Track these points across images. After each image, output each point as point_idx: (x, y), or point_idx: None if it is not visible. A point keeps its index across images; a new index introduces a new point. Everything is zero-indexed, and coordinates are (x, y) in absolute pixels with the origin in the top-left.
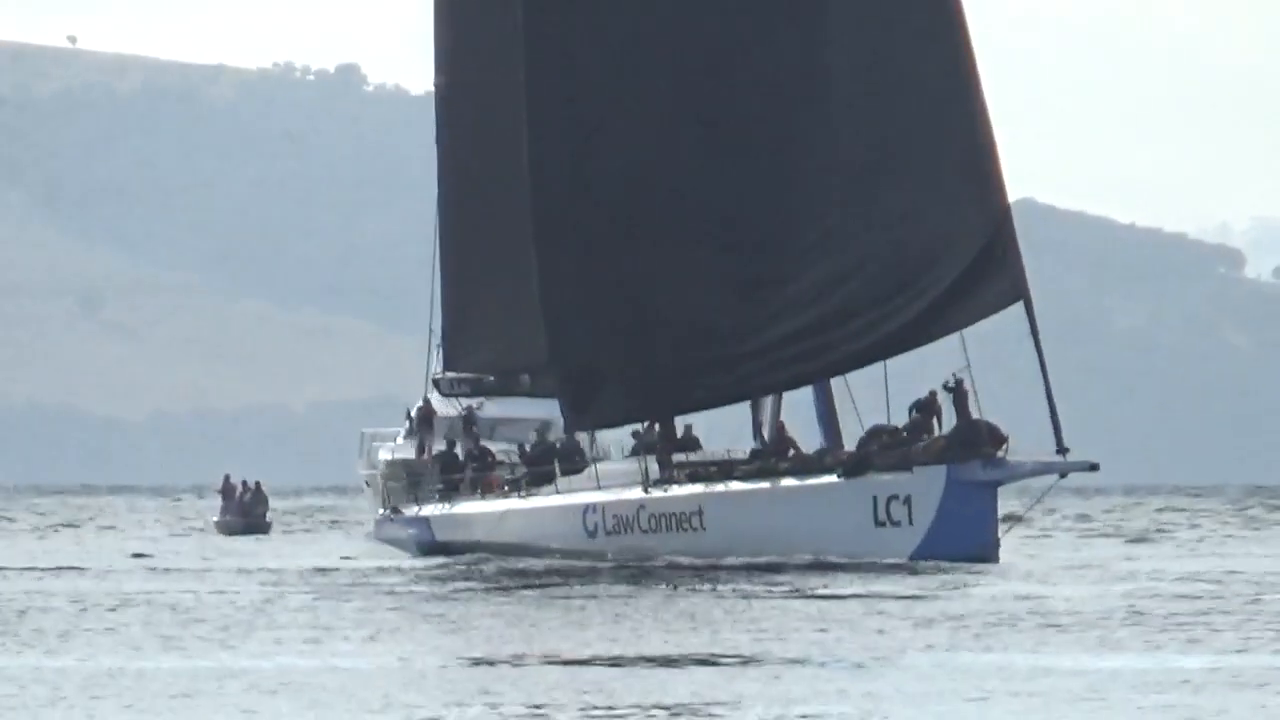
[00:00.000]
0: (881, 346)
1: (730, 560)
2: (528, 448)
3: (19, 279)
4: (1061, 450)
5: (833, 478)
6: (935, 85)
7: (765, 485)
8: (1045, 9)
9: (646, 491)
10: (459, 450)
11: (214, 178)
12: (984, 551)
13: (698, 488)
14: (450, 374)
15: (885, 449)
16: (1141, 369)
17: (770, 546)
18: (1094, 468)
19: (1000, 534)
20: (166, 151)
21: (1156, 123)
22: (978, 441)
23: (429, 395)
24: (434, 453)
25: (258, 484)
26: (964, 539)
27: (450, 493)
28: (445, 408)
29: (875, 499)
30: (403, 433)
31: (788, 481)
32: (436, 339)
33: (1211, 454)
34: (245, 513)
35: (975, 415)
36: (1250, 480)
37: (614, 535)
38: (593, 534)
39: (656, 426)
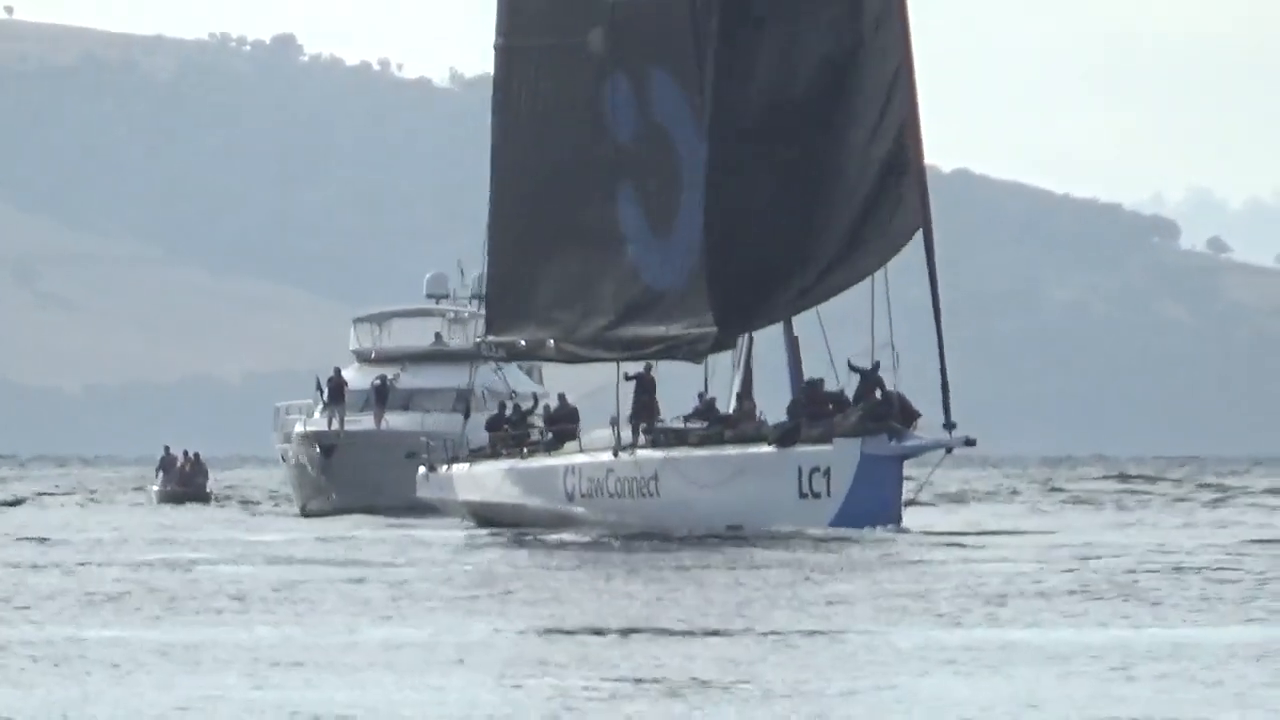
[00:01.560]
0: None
1: (680, 531)
2: (552, 408)
3: None
4: (949, 425)
5: (768, 448)
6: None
7: (711, 453)
8: None
9: (615, 456)
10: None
11: (151, 149)
12: (889, 520)
13: (657, 454)
14: (491, 338)
15: (812, 419)
16: (1076, 340)
17: (712, 516)
18: (970, 443)
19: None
20: (103, 122)
21: (1092, 93)
22: (889, 416)
23: (341, 367)
24: (345, 422)
25: (197, 455)
26: (873, 509)
27: (495, 453)
28: (358, 379)
29: (800, 470)
30: (318, 406)
31: (729, 450)
32: (367, 310)
33: (1147, 425)
34: (185, 483)
35: (891, 389)
36: (1183, 452)
37: (587, 499)
38: (570, 497)
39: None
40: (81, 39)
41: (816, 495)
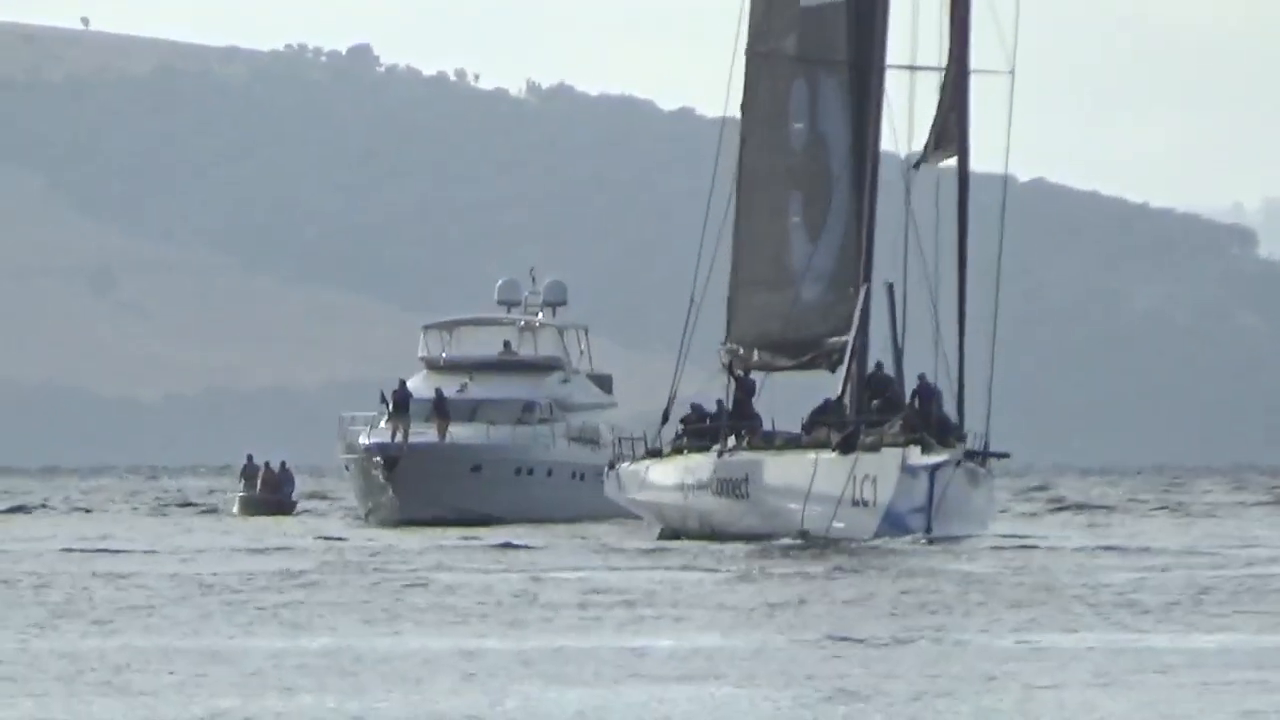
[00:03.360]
0: None
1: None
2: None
3: (31, 260)
4: (960, 438)
5: (830, 454)
6: None
7: (785, 457)
8: None
9: (720, 457)
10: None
11: (227, 158)
12: (921, 528)
13: (749, 456)
14: (730, 344)
15: (870, 426)
16: (1154, 350)
17: (787, 519)
18: (998, 455)
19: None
20: (179, 132)
21: (1169, 102)
22: (926, 428)
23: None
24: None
25: (283, 464)
26: (908, 519)
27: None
28: (425, 388)
29: (854, 478)
30: (382, 417)
31: (803, 455)
32: (437, 317)
33: (1225, 434)
34: (272, 492)
35: (928, 398)
36: (1263, 460)
37: (694, 494)
38: (685, 495)
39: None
40: (157, 50)
41: (866, 504)
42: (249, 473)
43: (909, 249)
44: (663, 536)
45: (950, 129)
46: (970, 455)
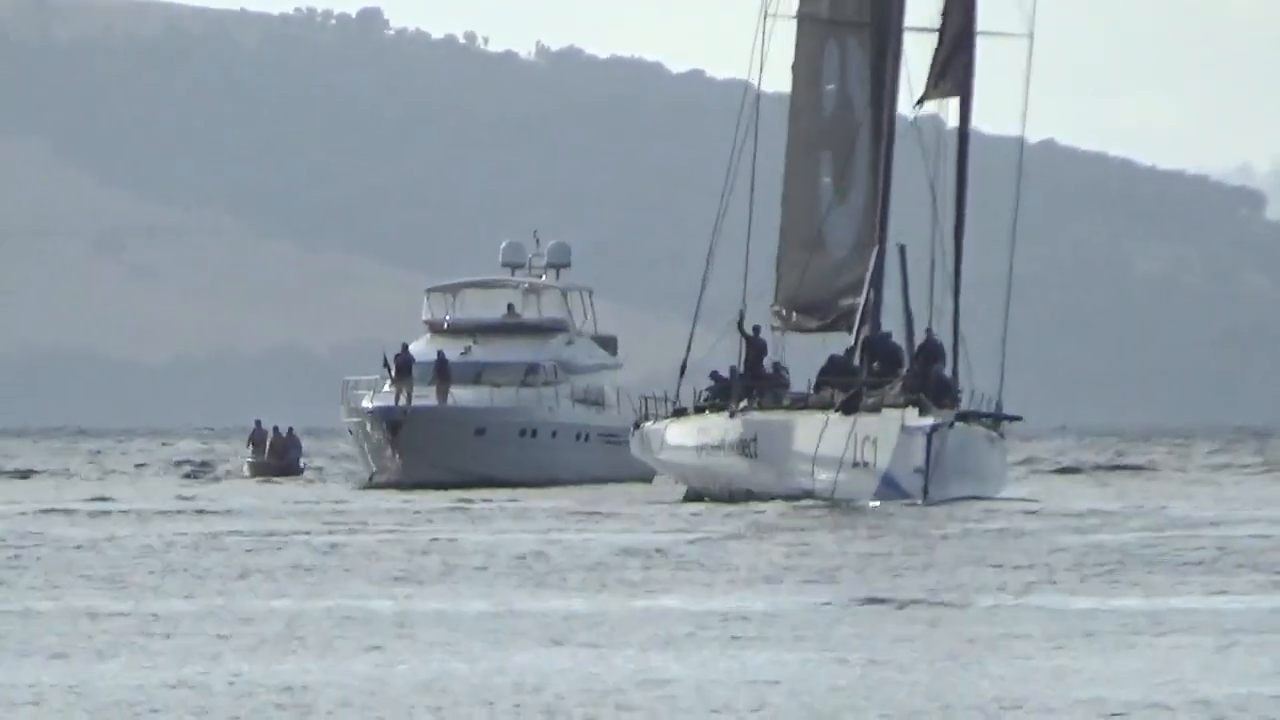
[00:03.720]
0: None
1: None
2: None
3: (40, 222)
4: (955, 399)
5: (834, 414)
6: None
7: (791, 417)
8: None
9: (731, 418)
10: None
11: (236, 121)
12: (915, 492)
13: (759, 416)
14: (776, 306)
15: (873, 388)
16: (1162, 312)
17: (792, 479)
18: (1016, 419)
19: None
20: (188, 95)
21: (1177, 64)
22: (925, 390)
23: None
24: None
25: (290, 430)
26: (906, 481)
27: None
28: (429, 351)
29: (855, 439)
30: (385, 381)
31: (808, 415)
32: (430, 282)
33: (1234, 397)
34: (279, 457)
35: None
36: (1273, 422)
37: (709, 454)
38: (700, 455)
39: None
40: (165, 11)
41: (866, 465)
42: (257, 438)
43: (929, 206)
44: (687, 498)
45: (956, 67)
46: (982, 418)
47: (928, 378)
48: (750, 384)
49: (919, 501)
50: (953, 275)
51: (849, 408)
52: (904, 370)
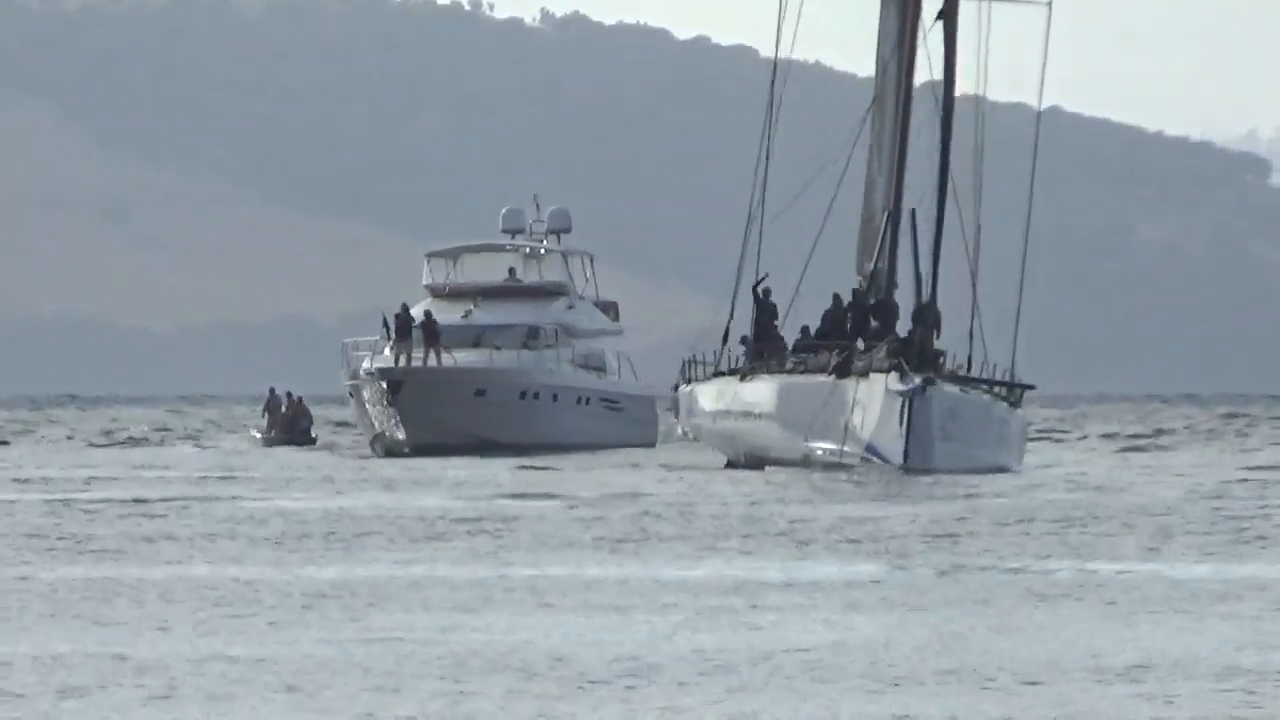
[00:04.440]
0: None
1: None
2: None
3: (46, 190)
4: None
5: (826, 378)
6: None
7: (790, 381)
8: None
9: (742, 380)
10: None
11: (240, 89)
12: (894, 456)
13: (763, 381)
14: (859, 276)
15: (864, 352)
16: (1167, 278)
17: (793, 443)
18: (1029, 387)
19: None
20: (194, 63)
21: (1183, 29)
22: (904, 355)
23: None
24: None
25: (299, 398)
26: (886, 447)
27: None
28: (437, 315)
29: (847, 403)
30: (386, 343)
31: (807, 379)
32: (429, 246)
33: (1238, 364)
34: (289, 427)
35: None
36: (1275, 390)
37: (719, 419)
38: (714, 419)
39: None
40: None
41: (854, 430)
42: (272, 406)
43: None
44: (729, 465)
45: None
46: (990, 385)
47: (912, 341)
48: (759, 347)
49: (897, 467)
50: (933, 243)
51: (841, 371)
52: (895, 332)
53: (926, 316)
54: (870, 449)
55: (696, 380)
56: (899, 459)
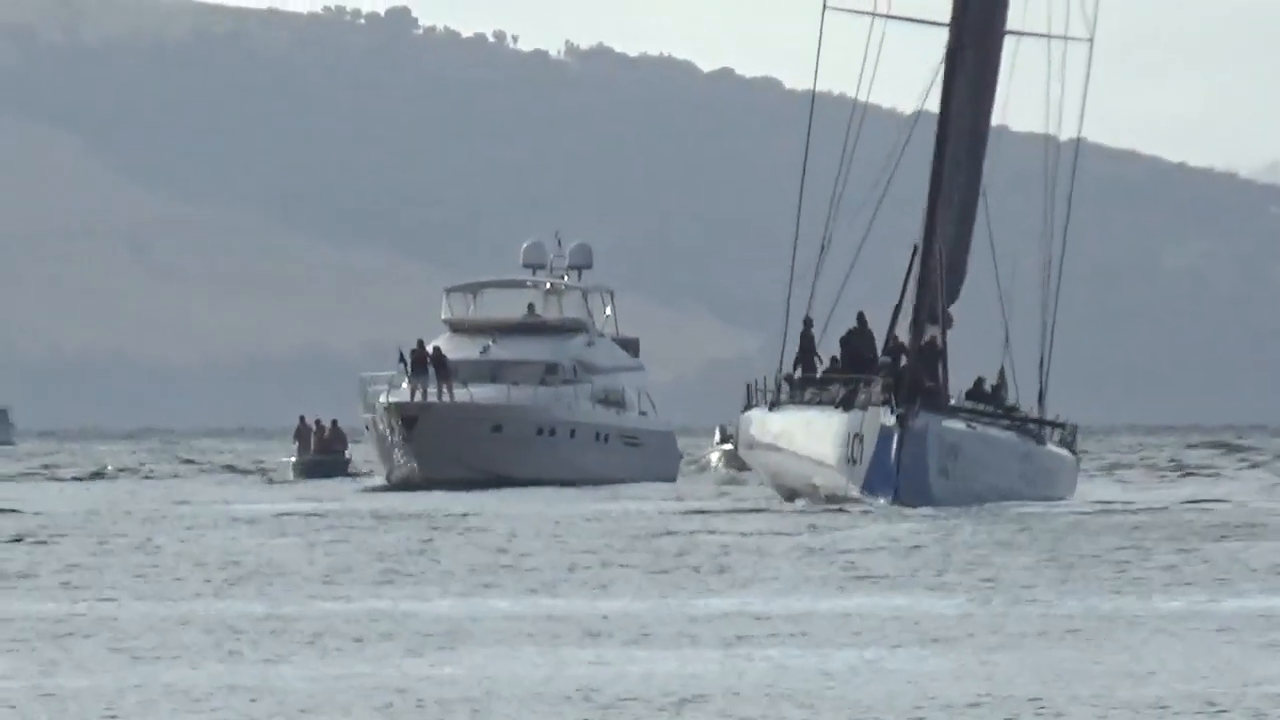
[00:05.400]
0: None
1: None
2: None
3: (69, 222)
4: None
5: (834, 411)
6: None
7: (809, 413)
8: None
9: (770, 410)
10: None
11: (265, 120)
12: (887, 492)
13: (785, 412)
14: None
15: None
16: (1192, 310)
17: (807, 475)
18: (1059, 425)
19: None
20: (216, 95)
21: (1207, 61)
22: (897, 388)
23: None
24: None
25: (334, 422)
26: (877, 481)
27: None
28: (450, 350)
29: (848, 435)
30: (403, 377)
31: (819, 412)
32: (454, 281)
33: (1263, 395)
34: (325, 451)
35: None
36: None
37: (751, 450)
38: (750, 448)
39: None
40: (195, 12)
41: (855, 462)
42: (302, 434)
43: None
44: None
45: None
46: (1025, 423)
47: (903, 373)
48: (790, 376)
49: (885, 501)
50: (941, 280)
51: (847, 404)
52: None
53: (925, 349)
54: (867, 482)
55: (755, 407)
56: (890, 496)
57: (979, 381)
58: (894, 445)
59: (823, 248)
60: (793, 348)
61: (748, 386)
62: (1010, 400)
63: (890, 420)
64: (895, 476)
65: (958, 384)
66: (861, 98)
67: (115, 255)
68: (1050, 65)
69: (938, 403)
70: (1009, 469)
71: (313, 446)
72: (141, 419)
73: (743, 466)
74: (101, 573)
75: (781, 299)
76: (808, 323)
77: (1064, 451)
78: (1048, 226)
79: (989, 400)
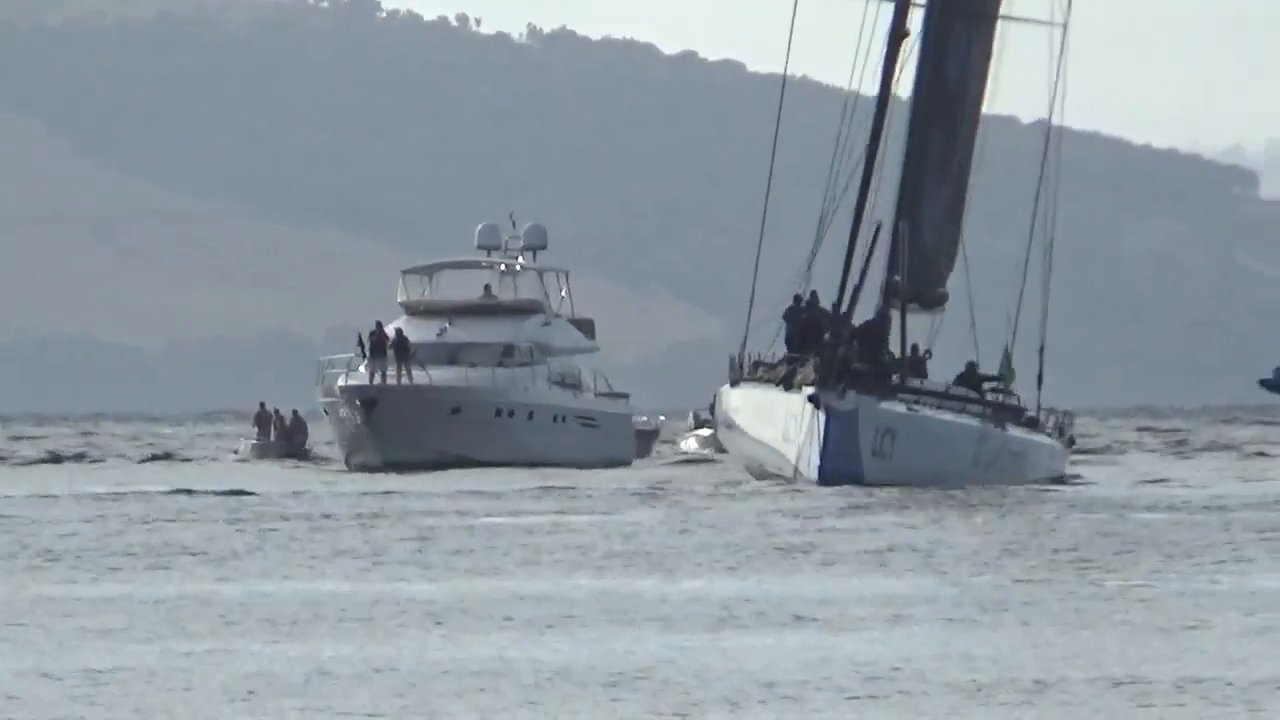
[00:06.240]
0: None
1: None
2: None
3: (33, 207)
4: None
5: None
6: None
7: (773, 395)
8: None
9: (732, 387)
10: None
11: (228, 105)
12: (812, 473)
13: (743, 391)
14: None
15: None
16: (1155, 291)
17: (780, 459)
18: (1034, 420)
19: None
20: (181, 79)
21: (1171, 43)
22: (843, 369)
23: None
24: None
25: (295, 412)
26: (808, 461)
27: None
28: (410, 332)
29: (785, 415)
30: (361, 361)
31: (785, 395)
32: (412, 263)
33: (1226, 377)
34: (285, 439)
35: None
36: (1262, 402)
37: (731, 431)
38: (729, 427)
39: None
40: None
41: (789, 440)
42: (262, 420)
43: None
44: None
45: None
46: (997, 410)
47: (849, 354)
48: (746, 354)
49: (800, 481)
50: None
51: (787, 383)
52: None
53: (848, 330)
54: (797, 463)
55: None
56: (815, 474)
57: (970, 365)
58: (822, 425)
59: (821, 218)
60: (761, 329)
61: (730, 359)
62: (1014, 384)
63: (836, 404)
64: (821, 456)
65: (955, 368)
66: (854, 84)
67: (80, 239)
68: (1022, 49)
69: (875, 384)
70: (960, 453)
71: (273, 435)
72: (103, 404)
73: (720, 449)
74: None
75: (747, 283)
76: (804, 300)
77: (1042, 437)
78: (1041, 210)
79: (977, 386)
